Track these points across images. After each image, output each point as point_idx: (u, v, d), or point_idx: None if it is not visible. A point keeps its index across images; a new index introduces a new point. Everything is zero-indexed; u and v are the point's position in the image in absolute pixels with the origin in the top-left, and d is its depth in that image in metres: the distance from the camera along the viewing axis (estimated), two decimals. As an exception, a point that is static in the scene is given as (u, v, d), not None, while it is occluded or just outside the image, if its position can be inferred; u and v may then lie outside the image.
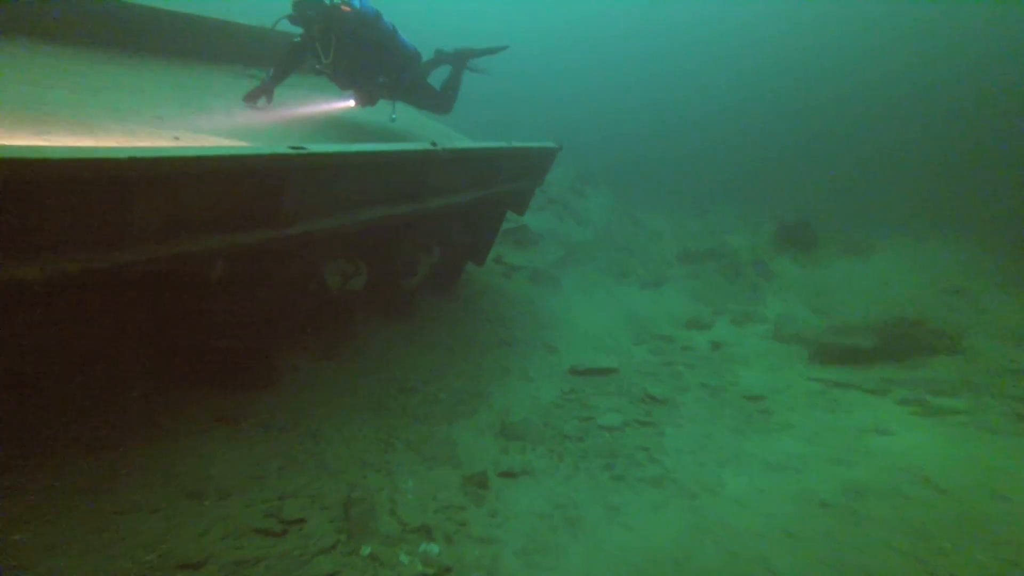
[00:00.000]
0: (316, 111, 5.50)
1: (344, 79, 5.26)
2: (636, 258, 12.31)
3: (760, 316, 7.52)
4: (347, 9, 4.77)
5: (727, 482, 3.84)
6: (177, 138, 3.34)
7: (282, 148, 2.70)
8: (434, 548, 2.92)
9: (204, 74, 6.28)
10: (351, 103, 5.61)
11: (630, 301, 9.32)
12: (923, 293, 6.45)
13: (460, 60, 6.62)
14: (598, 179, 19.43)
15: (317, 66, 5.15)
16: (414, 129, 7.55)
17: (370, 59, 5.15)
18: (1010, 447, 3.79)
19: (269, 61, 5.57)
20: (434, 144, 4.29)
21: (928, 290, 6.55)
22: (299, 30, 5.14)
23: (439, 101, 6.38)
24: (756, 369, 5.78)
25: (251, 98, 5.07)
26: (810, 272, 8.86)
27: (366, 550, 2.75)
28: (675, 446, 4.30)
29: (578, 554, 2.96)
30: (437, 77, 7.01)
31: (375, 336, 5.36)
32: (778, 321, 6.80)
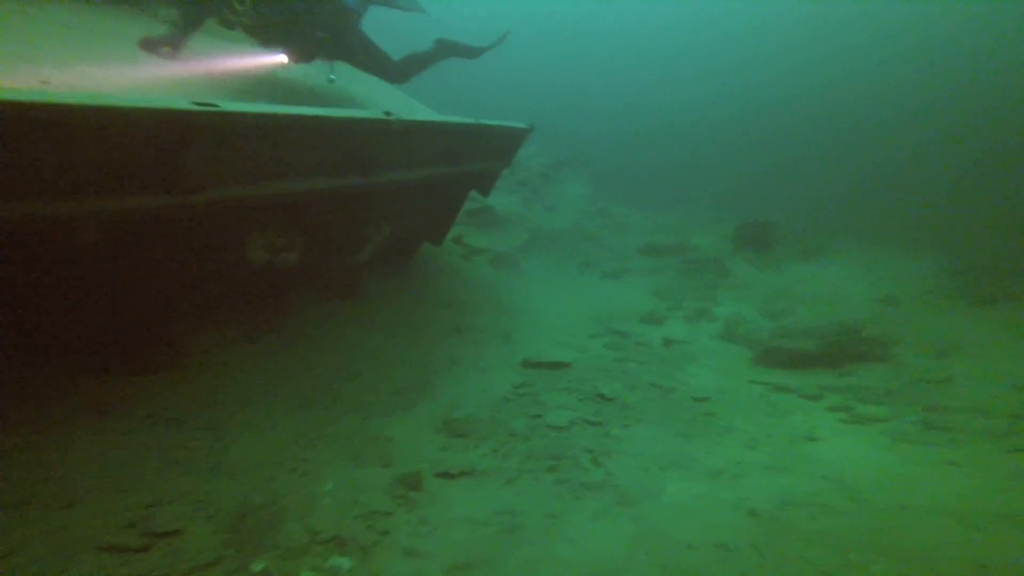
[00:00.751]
0: (241, 66, 4.76)
1: (268, 33, 4.51)
2: (601, 248, 12.28)
3: (712, 315, 7.65)
4: None
5: (667, 488, 3.83)
6: (46, 82, 2.75)
7: (182, 103, 2.24)
8: (345, 563, 2.67)
9: (126, 19, 5.39)
10: (283, 59, 4.90)
11: (591, 291, 9.28)
12: (863, 301, 6.78)
13: (472, 54, 6.18)
14: (571, 167, 19.18)
15: (231, 17, 4.37)
16: (375, 96, 6.93)
17: (300, 7, 4.38)
18: (915, 455, 4.01)
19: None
20: (388, 114, 3.86)
21: (867, 298, 6.88)
22: None
23: (390, 68, 5.73)
24: (705, 368, 5.87)
25: (151, 45, 4.28)
26: (764, 274, 9.12)
27: (258, 566, 2.43)
28: (620, 448, 4.26)
29: (513, 571, 2.83)
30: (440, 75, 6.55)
31: (314, 317, 4.95)
32: (729, 321, 6.93)
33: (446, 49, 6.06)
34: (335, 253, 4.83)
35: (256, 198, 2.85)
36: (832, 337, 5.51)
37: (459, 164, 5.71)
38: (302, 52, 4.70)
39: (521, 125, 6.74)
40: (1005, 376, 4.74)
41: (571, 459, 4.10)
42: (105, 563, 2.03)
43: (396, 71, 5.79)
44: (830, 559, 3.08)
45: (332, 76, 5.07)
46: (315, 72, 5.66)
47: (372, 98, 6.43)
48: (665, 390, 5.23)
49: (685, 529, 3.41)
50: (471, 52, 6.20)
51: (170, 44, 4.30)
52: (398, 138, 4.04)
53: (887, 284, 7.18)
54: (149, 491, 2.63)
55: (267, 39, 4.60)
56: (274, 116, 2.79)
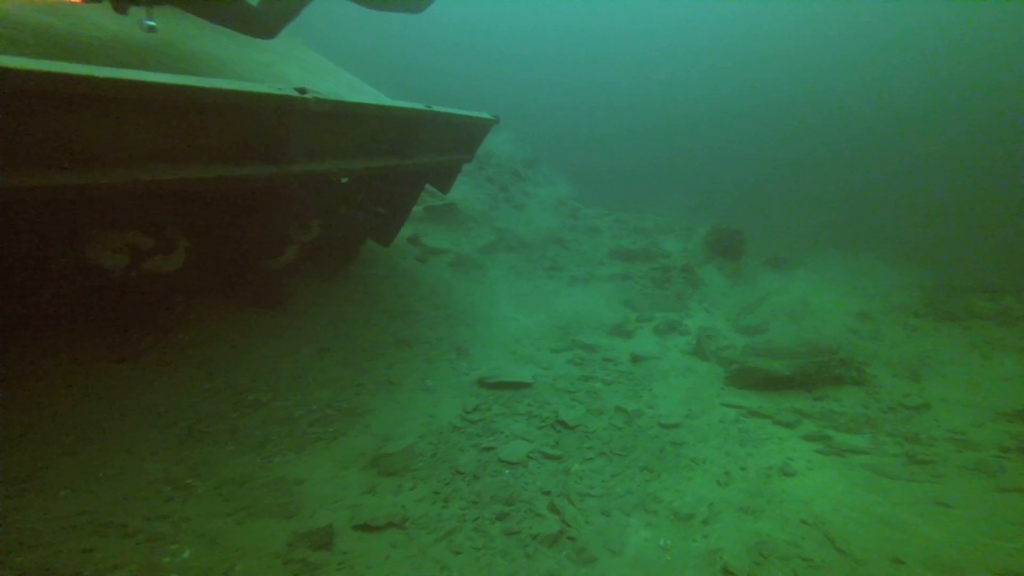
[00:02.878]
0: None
1: None
2: (570, 252, 11.88)
3: (684, 328, 7.35)
4: None
5: (631, 538, 3.37)
6: None
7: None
8: None
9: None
10: None
11: (558, 298, 8.82)
12: (835, 315, 6.66)
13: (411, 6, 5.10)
14: (544, 166, 18.76)
15: None
16: (314, 77, 6.16)
17: None
18: (903, 496, 3.73)
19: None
20: (302, 91, 3.19)
21: (839, 312, 6.78)
22: None
23: (245, 15, 3.95)
24: (674, 389, 5.49)
25: None
26: (735, 284, 8.95)
27: None
28: (579, 488, 3.77)
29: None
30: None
31: (219, 330, 4.21)
32: (700, 335, 6.62)
33: None
34: (248, 256, 4.11)
35: (94, 186, 2.15)
36: (807, 358, 5.26)
37: (408, 156, 5.06)
38: None
39: (484, 115, 6.16)
40: (983, 401, 4.62)
41: (524, 503, 3.59)
42: None
43: (256, 23, 3.99)
44: (814, 629, 2.70)
45: (150, 22, 3.14)
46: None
47: (310, 77, 5.68)
48: (631, 415, 4.80)
49: (650, 595, 2.96)
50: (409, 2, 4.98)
51: None
52: (320, 122, 3.38)
53: (859, 298, 7.12)
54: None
55: None
56: (109, 82, 2.08)
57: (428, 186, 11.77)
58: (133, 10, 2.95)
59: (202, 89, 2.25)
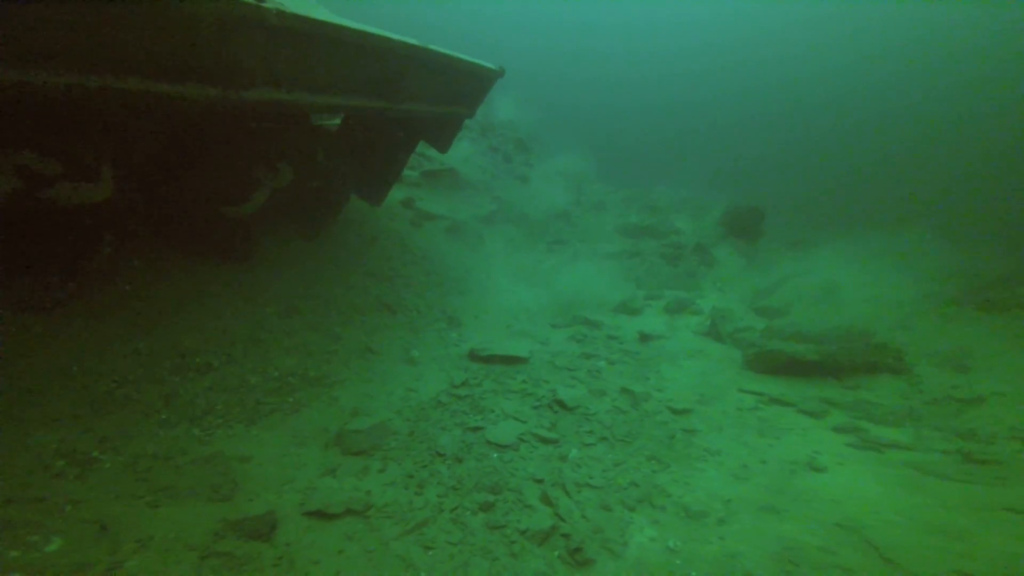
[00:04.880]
0: None
1: None
2: (575, 226, 11.28)
3: (695, 307, 6.82)
4: None
5: (634, 538, 2.91)
6: None
7: None
8: None
9: None
10: None
11: (559, 274, 8.28)
12: (862, 301, 6.12)
13: None
14: (551, 138, 17.98)
15: None
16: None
17: None
18: (958, 499, 3.25)
19: None
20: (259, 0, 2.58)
21: (867, 299, 6.23)
22: None
23: None
24: (686, 372, 5.00)
25: None
26: (753, 264, 8.39)
27: None
28: (576, 477, 3.30)
29: None
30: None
31: (167, 282, 3.68)
32: (714, 315, 6.10)
33: None
34: (205, 198, 3.56)
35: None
36: (837, 343, 4.75)
37: (398, 101, 4.44)
38: None
39: (488, 65, 5.50)
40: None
41: (513, 492, 3.12)
42: None
43: None
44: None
45: None
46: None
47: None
48: (637, 398, 4.31)
49: (657, 607, 2.51)
50: None
51: None
52: (285, 43, 2.78)
53: (891, 283, 6.57)
54: None
55: None
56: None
57: (425, 151, 11.06)
58: None
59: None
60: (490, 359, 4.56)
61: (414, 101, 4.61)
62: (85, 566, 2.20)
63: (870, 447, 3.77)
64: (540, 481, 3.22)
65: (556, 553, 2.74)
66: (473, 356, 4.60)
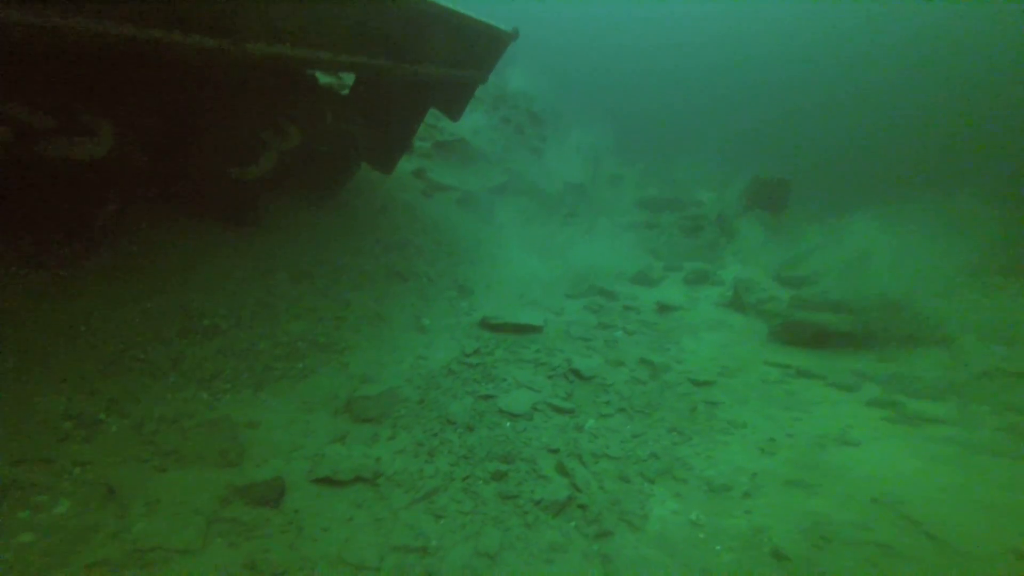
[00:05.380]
0: None
1: None
2: (589, 200, 10.87)
3: (717, 278, 6.49)
4: None
5: (654, 510, 2.73)
6: None
7: None
8: None
9: None
10: None
11: (574, 246, 7.99)
12: (898, 272, 5.71)
13: None
14: (565, 110, 17.31)
15: None
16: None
17: None
18: (1012, 478, 2.97)
19: None
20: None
21: (903, 269, 5.81)
22: None
23: None
24: (707, 344, 4.74)
25: None
26: (778, 236, 7.95)
27: None
28: (593, 448, 3.12)
29: None
30: None
31: (174, 243, 3.54)
32: (737, 286, 5.77)
33: None
34: (212, 159, 3.38)
35: None
36: (871, 313, 4.42)
37: (405, 59, 4.14)
38: None
39: (501, 27, 5.10)
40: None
41: (526, 462, 2.96)
42: None
43: None
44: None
45: None
46: None
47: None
48: (657, 368, 4.09)
49: (679, 582, 2.35)
50: None
51: None
52: None
53: (927, 254, 6.12)
54: None
55: None
56: None
57: (437, 123, 10.67)
58: None
59: None
60: (502, 327, 4.37)
61: (424, 62, 4.30)
62: (93, 528, 2.13)
63: (908, 422, 3.50)
64: (555, 451, 3.05)
65: (572, 524, 2.59)
66: (485, 324, 4.41)
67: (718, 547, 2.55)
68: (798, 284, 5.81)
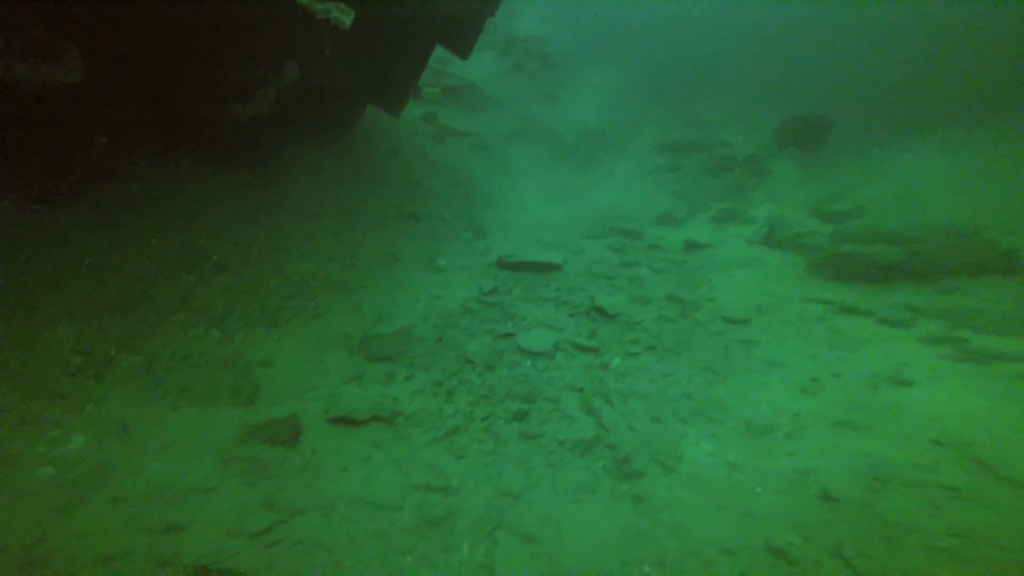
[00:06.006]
0: None
1: None
2: (607, 144, 10.06)
3: (748, 216, 5.91)
4: None
5: (687, 451, 2.46)
6: None
7: None
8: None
9: None
10: None
11: (592, 191, 7.41)
12: (961, 202, 5.02)
13: None
14: (581, 52, 15.89)
15: None
16: None
17: None
18: None
19: None
20: None
21: (967, 199, 5.10)
22: None
23: None
24: (739, 281, 4.30)
25: None
26: (814, 174, 7.18)
27: None
28: (621, 387, 2.83)
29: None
30: None
31: (178, 183, 3.25)
32: (771, 223, 5.22)
33: None
34: (206, 96, 3.00)
35: None
36: (930, 242, 3.87)
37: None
38: None
39: None
40: None
41: (549, 401, 2.71)
42: None
43: None
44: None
45: None
46: None
47: None
48: (686, 306, 3.71)
49: (715, 526, 2.11)
50: None
51: None
52: None
53: (987, 184, 5.36)
54: None
55: None
56: None
57: (445, 68, 9.81)
58: None
59: None
60: (520, 266, 4.01)
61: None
62: (109, 465, 1.99)
63: (972, 359, 3.07)
64: (580, 390, 2.78)
65: (600, 464, 2.35)
66: (502, 264, 4.06)
67: (759, 489, 2.29)
68: (841, 219, 5.21)
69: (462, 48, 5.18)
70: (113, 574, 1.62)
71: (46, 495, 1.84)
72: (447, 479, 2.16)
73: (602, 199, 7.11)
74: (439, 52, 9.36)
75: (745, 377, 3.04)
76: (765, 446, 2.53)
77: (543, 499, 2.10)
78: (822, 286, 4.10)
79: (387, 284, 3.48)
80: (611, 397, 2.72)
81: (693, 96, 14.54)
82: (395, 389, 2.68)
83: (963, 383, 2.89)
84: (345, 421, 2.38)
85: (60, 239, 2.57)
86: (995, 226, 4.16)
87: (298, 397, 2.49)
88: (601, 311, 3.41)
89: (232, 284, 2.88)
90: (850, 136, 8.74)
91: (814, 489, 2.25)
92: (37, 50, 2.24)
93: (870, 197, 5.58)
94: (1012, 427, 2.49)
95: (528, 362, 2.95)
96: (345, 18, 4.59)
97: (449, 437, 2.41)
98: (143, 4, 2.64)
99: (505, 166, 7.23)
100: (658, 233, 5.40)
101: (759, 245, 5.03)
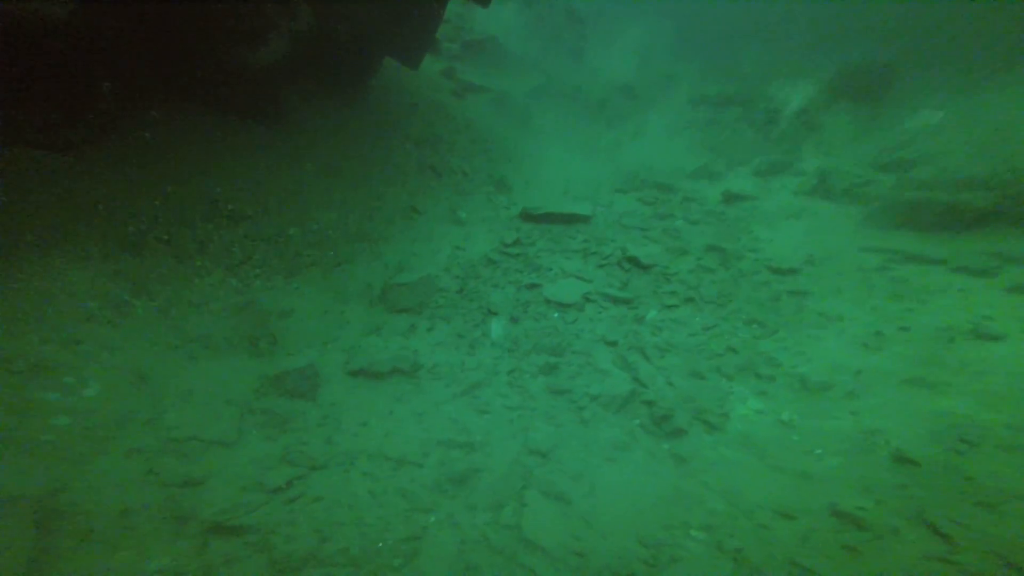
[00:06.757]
0: None
1: None
2: (637, 100, 9.26)
3: (795, 169, 5.27)
4: None
5: (734, 409, 2.16)
6: None
7: None
8: None
9: None
10: None
11: (620, 148, 6.82)
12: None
13: None
14: (608, 3, 14.59)
15: None
16: None
17: None
18: None
19: None
20: None
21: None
22: None
23: None
24: (785, 232, 3.82)
25: None
26: (872, 126, 6.31)
27: None
28: (657, 341, 2.52)
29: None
30: None
31: (194, 133, 3.05)
32: (821, 174, 4.61)
33: None
34: (212, 37, 2.73)
35: None
36: (1016, 184, 3.23)
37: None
38: None
39: None
40: None
41: (580, 355, 2.44)
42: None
43: None
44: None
45: None
46: None
47: None
48: (728, 256, 3.29)
49: (770, 484, 1.81)
50: None
51: None
52: None
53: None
54: None
55: None
56: None
57: (465, 23, 9.12)
58: None
59: None
60: (545, 218, 3.67)
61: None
62: (127, 415, 1.88)
63: (1072, 311, 2.57)
64: (613, 344, 2.48)
65: (636, 421, 2.08)
66: (525, 216, 3.72)
67: (818, 450, 1.97)
68: (906, 167, 4.51)
69: None
70: (131, 528, 1.50)
71: (62, 445, 1.74)
72: (470, 435, 1.96)
73: (632, 155, 6.55)
74: (459, 6, 8.69)
75: (796, 331, 2.66)
76: (823, 405, 2.19)
77: (575, 457, 1.86)
78: (883, 235, 3.56)
79: (408, 236, 3.23)
80: (647, 351, 2.42)
81: (733, 48, 13.17)
82: (416, 341, 2.47)
83: (1063, 338, 2.41)
84: (365, 373, 2.20)
85: (73, 185, 2.43)
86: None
87: (317, 348, 2.32)
88: (634, 261, 3.06)
89: (250, 232, 2.70)
90: (912, 85, 7.63)
91: (885, 451, 1.92)
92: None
93: (944, 145, 4.80)
94: None
95: (556, 314, 2.67)
96: None
97: (472, 392, 2.20)
98: None
99: (528, 122, 6.73)
100: (694, 186, 4.88)
101: (807, 196, 4.45)
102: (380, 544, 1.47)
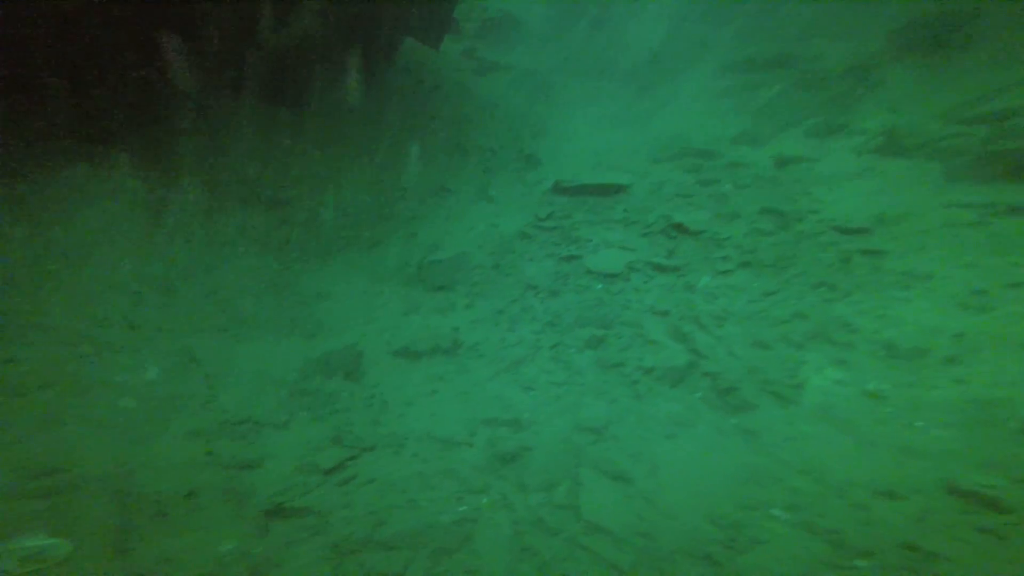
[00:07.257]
0: None
1: None
2: (669, 69, 8.69)
3: (855, 128, 4.69)
4: None
5: (809, 379, 1.88)
6: None
7: None
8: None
9: None
10: None
11: (653, 116, 6.39)
12: None
13: None
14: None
15: None
16: None
17: None
18: None
19: None
20: None
21: None
22: None
23: None
24: (849, 192, 3.38)
25: None
26: (944, 83, 5.54)
27: None
28: (712, 309, 2.26)
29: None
30: None
31: (226, 120, 3.06)
32: (888, 131, 4.05)
33: None
34: (233, 18, 2.69)
35: None
36: None
37: None
38: None
39: None
40: None
41: (629, 327, 2.22)
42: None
43: None
44: None
45: None
46: None
47: None
48: (787, 218, 2.94)
49: (863, 461, 1.54)
50: None
51: None
52: None
53: None
54: None
55: None
56: None
57: (481, 1, 8.86)
58: None
59: None
60: (580, 190, 3.43)
61: None
62: (184, 397, 1.88)
63: None
64: (664, 314, 2.25)
65: (697, 395, 1.85)
66: (558, 189, 3.50)
67: (918, 423, 1.67)
68: (998, 118, 3.89)
69: None
70: (198, 509, 1.48)
71: (133, 427, 1.74)
72: (516, 412, 1.81)
73: (667, 124, 6.11)
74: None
75: (875, 293, 2.31)
76: (918, 372, 1.87)
77: (631, 434, 1.67)
78: (972, 189, 3.06)
79: (440, 215, 3.11)
80: (703, 320, 2.17)
81: (774, 5, 12.11)
82: (455, 319, 2.34)
83: None
84: (406, 353, 2.10)
85: (114, 175, 2.46)
86: None
87: (358, 328, 2.24)
88: (681, 228, 2.78)
89: (287, 216, 2.66)
90: (992, 33, 6.63)
91: (1012, 423, 1.59)
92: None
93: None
94: None
95: (599, 285, 2.46)
96: None
97: (515, 368, 2.04)
98: None
99: (552, 97, 6.44)
100: (738, 152, 4.45)
101: (873, 155, 3.93)
102: (434, 527, 1.35)
